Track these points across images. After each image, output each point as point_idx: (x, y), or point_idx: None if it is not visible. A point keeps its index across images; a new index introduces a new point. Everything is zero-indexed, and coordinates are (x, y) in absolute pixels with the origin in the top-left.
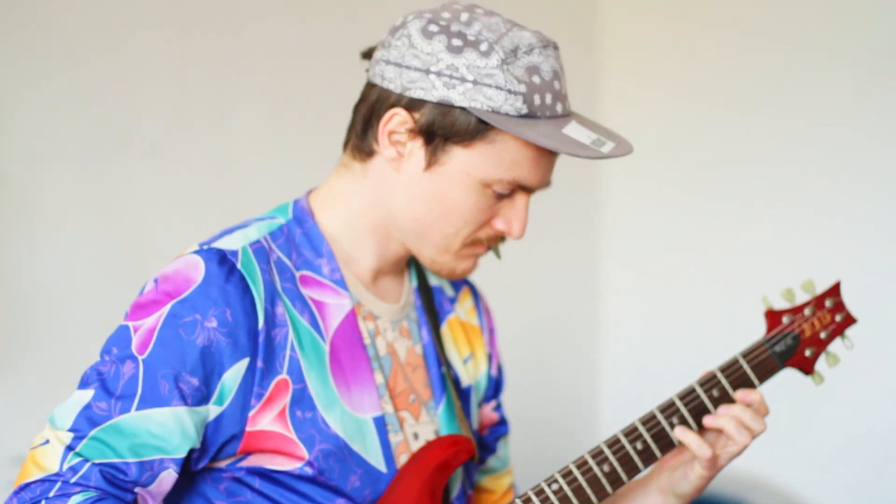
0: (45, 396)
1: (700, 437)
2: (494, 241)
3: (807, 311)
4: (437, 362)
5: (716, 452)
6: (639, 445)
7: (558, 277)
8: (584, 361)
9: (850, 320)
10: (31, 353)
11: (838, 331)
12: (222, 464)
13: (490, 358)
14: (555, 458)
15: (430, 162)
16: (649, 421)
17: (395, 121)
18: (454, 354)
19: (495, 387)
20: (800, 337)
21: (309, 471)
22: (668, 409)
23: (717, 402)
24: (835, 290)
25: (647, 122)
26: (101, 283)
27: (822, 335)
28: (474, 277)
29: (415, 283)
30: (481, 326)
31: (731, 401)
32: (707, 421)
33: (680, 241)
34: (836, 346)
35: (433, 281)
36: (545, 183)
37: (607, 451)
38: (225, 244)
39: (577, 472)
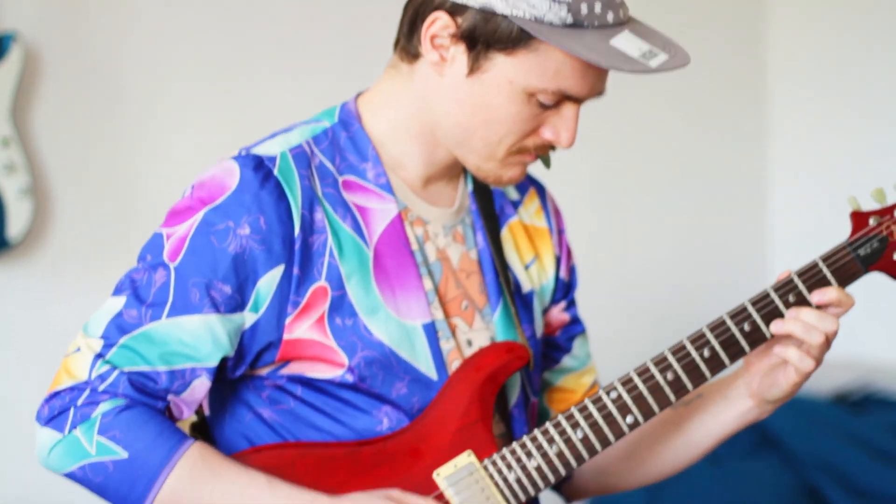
0: None
1: (800, 349)
2: (543, 150)
3: None
4: (493, 268)
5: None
6: (706, 353)
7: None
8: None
9: None
10: None
11: None
12: (263, 371)
13: (558, 260)
14: None
15: (473, 68)
16: (718, 327)
17: (438, 25)
18: (515, 259)
19: (565, 288)
20: (888, 239)
21: (350, 378)
22: (739, 314)
23: (791, 307)
24: None
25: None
26: None
27: None
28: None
29: (470, 186)
30: (549, 228)
31: (807, 305)
32: (774, 327)
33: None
34: None
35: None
36: (595, 93)
37: (671, 359)
38: (263, 149)
39: (637, 380)
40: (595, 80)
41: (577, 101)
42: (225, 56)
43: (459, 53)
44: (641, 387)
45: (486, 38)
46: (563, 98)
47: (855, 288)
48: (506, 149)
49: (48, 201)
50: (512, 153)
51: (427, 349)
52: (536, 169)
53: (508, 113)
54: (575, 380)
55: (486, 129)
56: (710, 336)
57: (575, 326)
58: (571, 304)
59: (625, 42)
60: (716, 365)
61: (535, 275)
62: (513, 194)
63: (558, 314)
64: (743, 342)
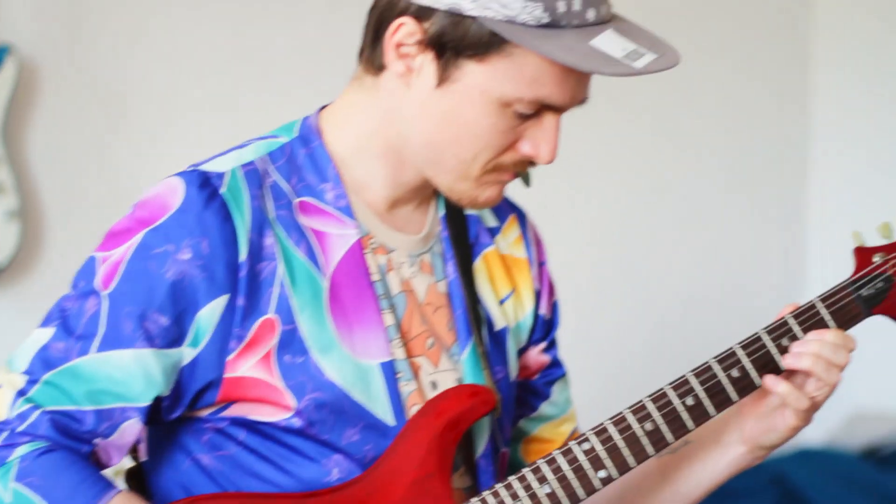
0: None
1: (793, 386)
2: (521, 167)
3: None
4: (463, 302)
5: (809, 398)
6: (689, 401)
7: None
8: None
9: None
10: None
11: None
12: (203, 413)
13: (538, 295)
14: None
15: (442, 78)
16: (704, 373)
17: (403, 31)
18: (488, 293)
19: (546, 327)
20: (893, 279)
21: (297, 422)
22: (727, 359)
23: (786, 352)
24: None
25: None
26: None
27: None
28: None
29: (442, 211)
30: (529, 259)
31: None
32: (789, 361)
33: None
34: None
35: (469, 210)
36: (577, 101)
37: (651, 407)
38: (212, 166)
39: (612, 430)
40: (576, 85)
41: (558, 110)
42: (231, 73)
43: (427, 62)
44: (616, 438)
45: (455, 43)
46: (541, 108)
47: (883, 334)
48: (481, 166)
49: (39, 224)
50: (488, 171)
51: (384, 391)
52: (526, 196)
53: (483, 126)
54: (553, 429)
55: (458, 145)
56: (694, 383)
57: (555, 370)
58: (552, 345)
59: (607, 42)
60: (700, 414)
61: (511, 310)
62: (490, 221)
63: (537, 356)
64: (730, 390)
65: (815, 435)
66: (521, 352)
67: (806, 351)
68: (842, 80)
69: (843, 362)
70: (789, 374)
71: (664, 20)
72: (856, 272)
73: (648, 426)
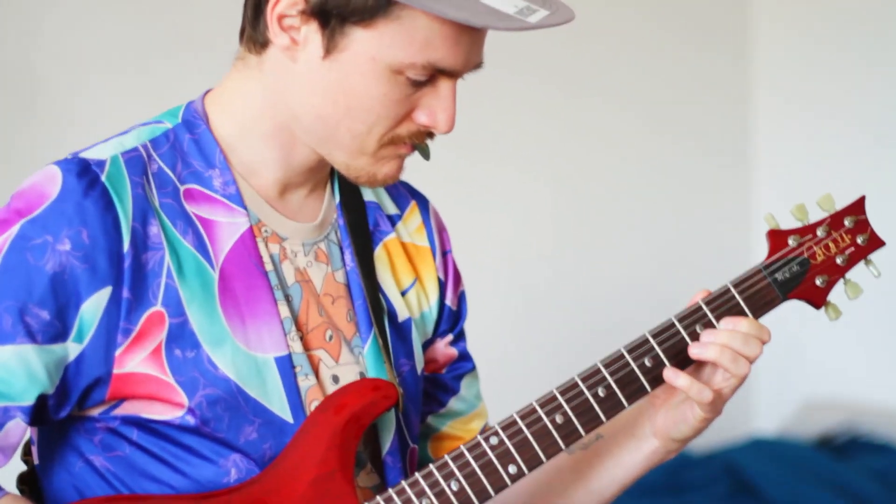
0: None
1: (694, 377)
2: (419, 138)
3: (820, 232)
4: (363, 292)
5: (715, 389)
6: (601, 392)
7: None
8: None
9: (876, 242)
10: None
11: (860, 255)
12: (94, 412)
13: (442, 285)
14: None
15: (329, 48)
16: (615, 362)
17: (284, 2)
18: (390, 283)
19: (453, 318)
20: (809, 262)
21: (191, 420)
22: (639, 347)
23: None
24: (856, 207)
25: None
26: None
27: (839, 260)
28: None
29: (338, 198)
30: (432, 247)
31: None
32: (695, 351)
33: None
34: (858, 273)
35: (369, 196)
36: (472, 64)
37: (560, 399)
38: (93, 153)
39: (521, 423)
40: (470, 47)
41: (453, 75)
42: (145, 46)
43: (312, 33)
44: (526, 431)
45: (340, 10)
46: (436, 74)
47: (844, 325)
48: (376, 140)
49: None
50: (384, 145)
51: (280, 387)
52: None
53: (374, 96)
54: (462, 425)
55: (351, 118)
56: (605, 373)
57: (464, 363)
58: (460, 338)
59: None
60: (612, 406)
61: (415, 301)
62: (390, 208)
63: (444, 349)
64: (643, 379)
65: (769, 424)
66: (428, 344)
67: (713, 341)
68: (782, 91)
69: (752, 354)
70: (699, 365)
71: None
72: (769, 255)
73: (559, 419)
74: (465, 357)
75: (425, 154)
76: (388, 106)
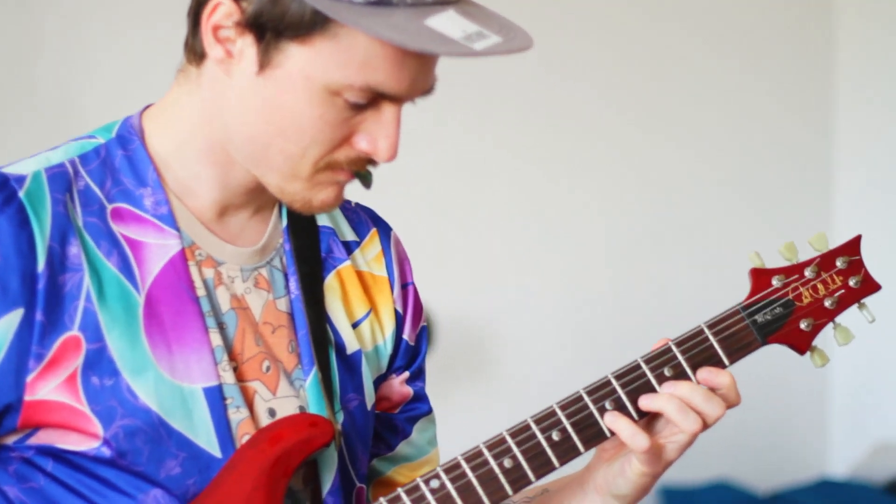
0: None
1: (635, 423)
2: (359, 165)
3: (808, 272)
4: (306, 322)
5: (658, 442)
6: (555, 435)
7: None
8: None
9: (871, 286)
10: None
11: (852, 299)
12: (8, 440)
13: (400, 318)
14: None
15: (263, 63)
16: (572, 404)
17: (220, 12)
18: (340, 313)
19: (410, 354)
20: (793, 304)
21: (106, 452)
22: (600, 390)
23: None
24: (850, 247)
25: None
26: None
27: (828, 303)
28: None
29: (285, 221)
30: (390, 278)
31: (688, 380)
32: (644, 402)
33: None
34: (850, 317)
35: (324, 221)
36: (419, 90)
37: (510, 441)
38: (16, 168)
39: (465, 466)
40: (416, 72)
41: (396, 100)
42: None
43: (247, 46)
44: (470, 475)
45: (275, 24)
46: (377, 97)
47: None
48: (311, 164)
49: None
50: (320, 169)
51: (209, 419)
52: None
53: (309, 117)
54: (410, 472)
55: (284, 139)
56: (561, 415)
57: (419, 405)
58: (418, 377)
59: (445, 22)
60: (566, 451)
61: (368, 333)
62: (348, 234)
63: (399, 387)
64: (602, 424)
65: (840, 466)
66: (381, 380)
67: (671, 392)
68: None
69: (712, 413)
70: (655, 416)
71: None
72: (750, 295)
73: (507, 463)
74: (420, 398)
75: (366, 182)
76: (323, 129)
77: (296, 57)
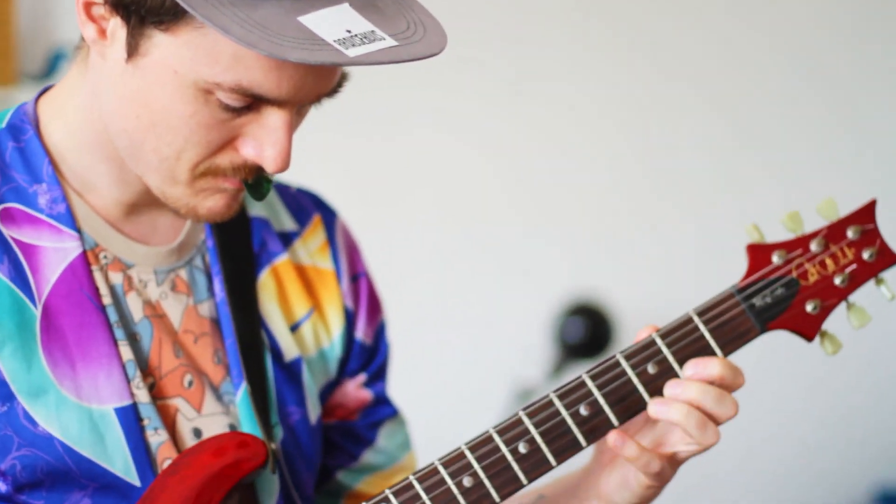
0: None
1: (645, 433)
2: (246, 173)
3: (814, 246)
4: (234, 328)
5: (666, 452)
6: (522, 448)
7: None
8: None
9: (889, 258)
10: None
11: (866, 274)
12: None
13: (350, 316)
14: None
15: (131, 49)
16: (540, 411)
17: None
18: (276, 316)
19: (366, 355)
20: (798, 284)
21: (2, 488)
22: (573, 392)
23: (651, 382)
24: (864, 214)
25: None
26: None
27: (838, 281)
28: None
29: None
30: (336, 271)
31: (675, 376)
32: (654, 410)
33: None
34: (864, 295)
35: (257, 210)
36: (309, 94)
37: (470, 457)
38: None
39: (419, 487)
40: (300, 74)
41: (280, 104)
42: None
43: (118, 28)
44: (424, 497)
45: (137, 7)
46: (258, 100)
47: None
48: (188, 167)
49: None
50: (201, 175)
51: (123, 443)
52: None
53: (179, 116)
54: (382, 481)
55: (156, 137)
56: (528, 423)
57: (381, 409)
58: (377, 378)
59: (326, 19)
60: (535, 464)
61: (310, 336)
62: (287, 223)
63: (355, 391)
64: (576, 432)
65: None
66: (333, 386)
67: (679, 396)
68: None
69: (726, 415)
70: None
71: None
72: (747, 276)
73: (467, 481)
74: (382, 401)
75: (258, 194)
76: (196, 130)
77: (163, 47)
